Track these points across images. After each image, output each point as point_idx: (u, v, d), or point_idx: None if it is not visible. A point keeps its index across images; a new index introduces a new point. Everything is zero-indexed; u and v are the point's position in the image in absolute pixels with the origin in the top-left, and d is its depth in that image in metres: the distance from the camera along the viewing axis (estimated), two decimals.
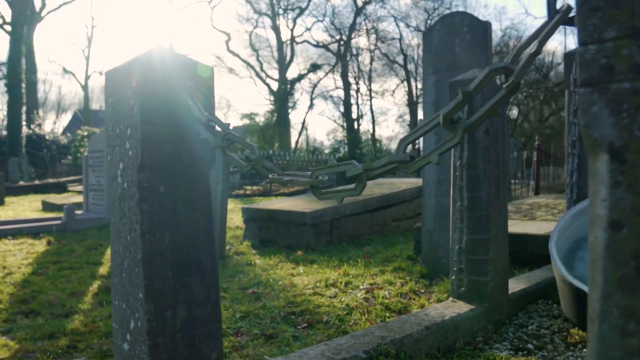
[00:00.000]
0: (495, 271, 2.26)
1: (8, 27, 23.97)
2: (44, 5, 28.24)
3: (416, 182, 7.49)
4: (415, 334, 1.89)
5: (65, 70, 37.44)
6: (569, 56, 3.54)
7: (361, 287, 3.70)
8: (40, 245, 5.72)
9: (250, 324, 2.94)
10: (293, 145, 34.69)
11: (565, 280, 2.20)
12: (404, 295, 3.46)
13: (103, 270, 4.56)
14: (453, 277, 2.30)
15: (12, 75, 21.67)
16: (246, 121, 31.27)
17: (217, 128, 1.17)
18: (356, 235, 5.90)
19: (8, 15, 23.86)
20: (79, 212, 7.71)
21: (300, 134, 38.48)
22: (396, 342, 1.79)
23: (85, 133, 24.18)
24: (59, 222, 6.93)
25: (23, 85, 21.97)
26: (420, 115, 37.21)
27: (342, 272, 4.10)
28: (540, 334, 2.30)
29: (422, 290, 3.61)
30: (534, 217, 5.09)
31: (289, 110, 32.16)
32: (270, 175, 0.94)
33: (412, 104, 36.64)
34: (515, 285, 2.67)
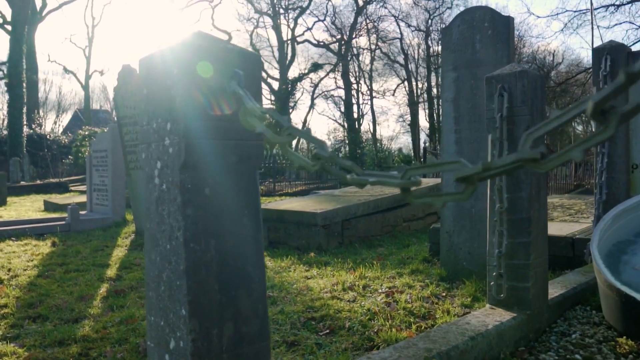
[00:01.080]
0: (536, 276, 2.13)
1: (9, 27, 23.84)
2: (44, 4, 28.11)
3: (426, 182, 7.37)
4: (461, 345, 1.76)
5: (66, 70, 37.17)
6: (598, 52, 3.41)
7: (380, 290, 3.57)
8: (44, 247, 5.59)
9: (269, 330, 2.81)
10: (294, 144, 34.58)
11: (612, 287, 2.08)
12: (425, 299, 3.34)
13: (110, 272, 4.43)
14: (492, 283, 2.17)
15: (13, 74, 21.53)
16: None
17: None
18: (367, 237, 5.78)
19: (8, 14, 23.73)
20: (82, 212, 7.57)
21: None
22: (443, 355, 1.66)
23: (87, 133, 24.06)
24: (62, 222, 6.80)
25: (24, 84, 21.83)
26: (423, 116, 37.04)
27: (359, 275, 3.98)
28: (585, 343, 2.17)
29: (444, 294, 3.49)
30: (552, 218, 4.96)
31: (290, 110, 32.01)
32: (348, 177, 0.80)
33: (413, 104, 36.52)
34: (552, 290, 2.54)
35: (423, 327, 2.82)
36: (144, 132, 1.12)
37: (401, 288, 3.59)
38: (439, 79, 37.83)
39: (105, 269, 4.58)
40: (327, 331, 2.79)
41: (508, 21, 3.75)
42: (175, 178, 1.03)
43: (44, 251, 5.33)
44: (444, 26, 4.19)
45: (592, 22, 17.98)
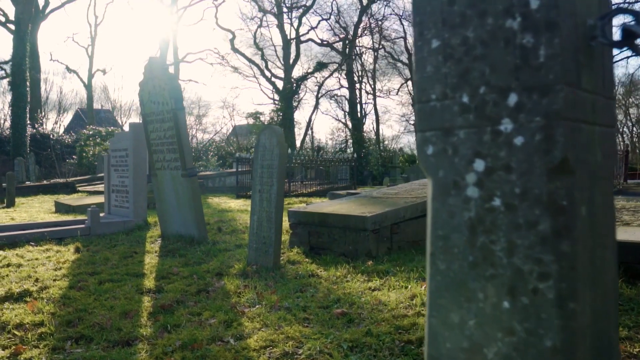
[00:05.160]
0: None
1: (11, 26, 23.41)
2: (47, 3, 27.67)
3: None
4: None
5: (68, 69, 36.63)
6: None
7: None
8: (67, 253, 5.16)
9: (365, 359, 2.39)
10: (298, 144, 34.16)
11: None
12: None
13: (148, 283, 4.01)
14: None
15: (16, 73, 21.08)
16: (251, 120, 30.68)
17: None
18: (416, 241, 5.36)
19: (11, 13, 23.32)
20: (101, 214, 7.15)
21: (305, 134, 37.95)
22: None
23: (91, 132, 23.63)
24: (82, 225, 6.37)
25: (27, 83, 21.38)
26: None
27: None
28: None
29: None
30: (628, 223, 4.55)
31: (294, 110, 31.58)
32: None
33: None
34: None
35: None
36: (432, 112, 0.68)
37: None
38: None
39: (141, 279, 4.16)
40: None
41: None
42: (535, 188, 0.59)
43: (69, 258, 4.91)
44: None
45: None
